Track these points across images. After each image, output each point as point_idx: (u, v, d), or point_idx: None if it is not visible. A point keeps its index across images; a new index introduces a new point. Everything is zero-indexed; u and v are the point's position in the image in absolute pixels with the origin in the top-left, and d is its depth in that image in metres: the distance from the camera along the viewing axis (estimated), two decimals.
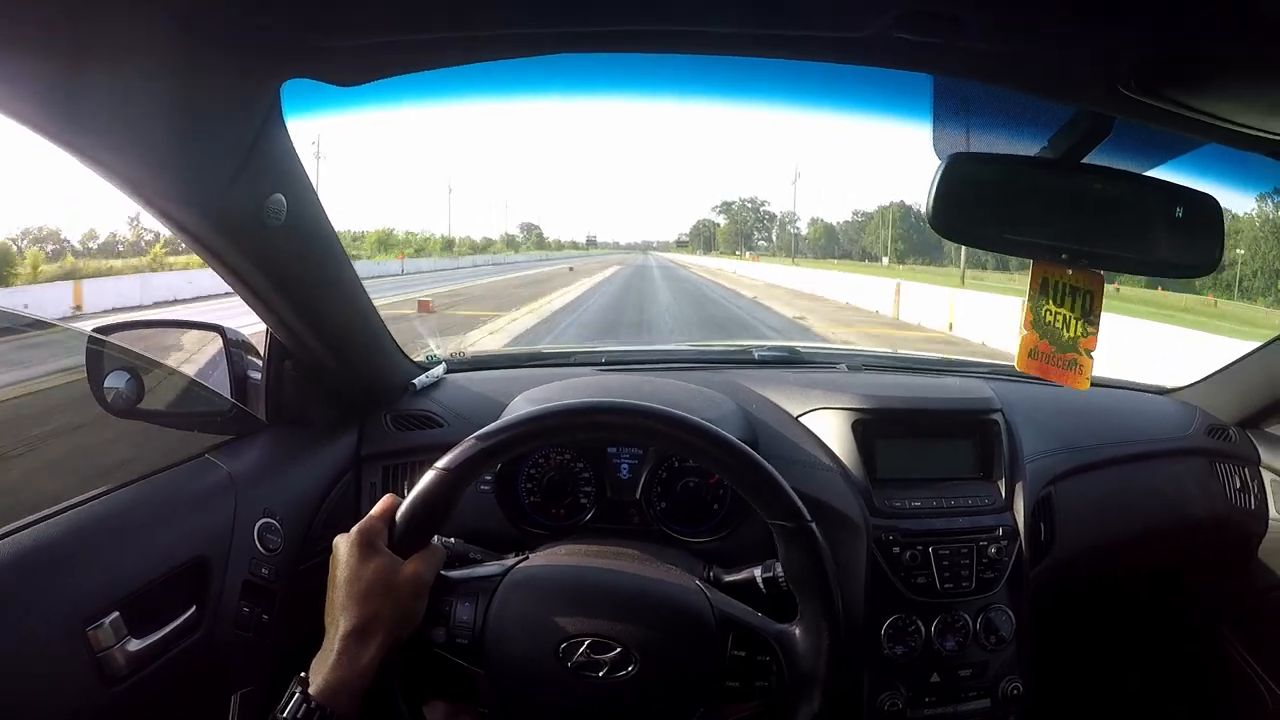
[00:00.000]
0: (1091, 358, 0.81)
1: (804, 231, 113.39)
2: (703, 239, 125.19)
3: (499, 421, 0.79)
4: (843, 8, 0.53)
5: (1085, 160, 0.73)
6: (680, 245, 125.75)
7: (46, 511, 0.78)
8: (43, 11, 0.50)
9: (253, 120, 0.70)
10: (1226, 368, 1.54)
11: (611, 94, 0.74)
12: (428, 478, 0.76)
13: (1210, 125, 0.67)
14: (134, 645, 0.76)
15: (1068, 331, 0.79)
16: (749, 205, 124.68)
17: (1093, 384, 1.55)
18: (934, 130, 0.76)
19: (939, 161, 0.69)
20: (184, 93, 0.63)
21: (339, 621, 0.69)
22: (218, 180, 0.71)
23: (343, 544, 0.73)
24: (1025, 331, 0.78)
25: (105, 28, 0.53)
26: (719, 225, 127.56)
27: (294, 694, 0.66)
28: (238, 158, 0.71)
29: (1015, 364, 0.80)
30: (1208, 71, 0.60)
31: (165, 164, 0.68)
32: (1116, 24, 0.54)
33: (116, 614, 0.75)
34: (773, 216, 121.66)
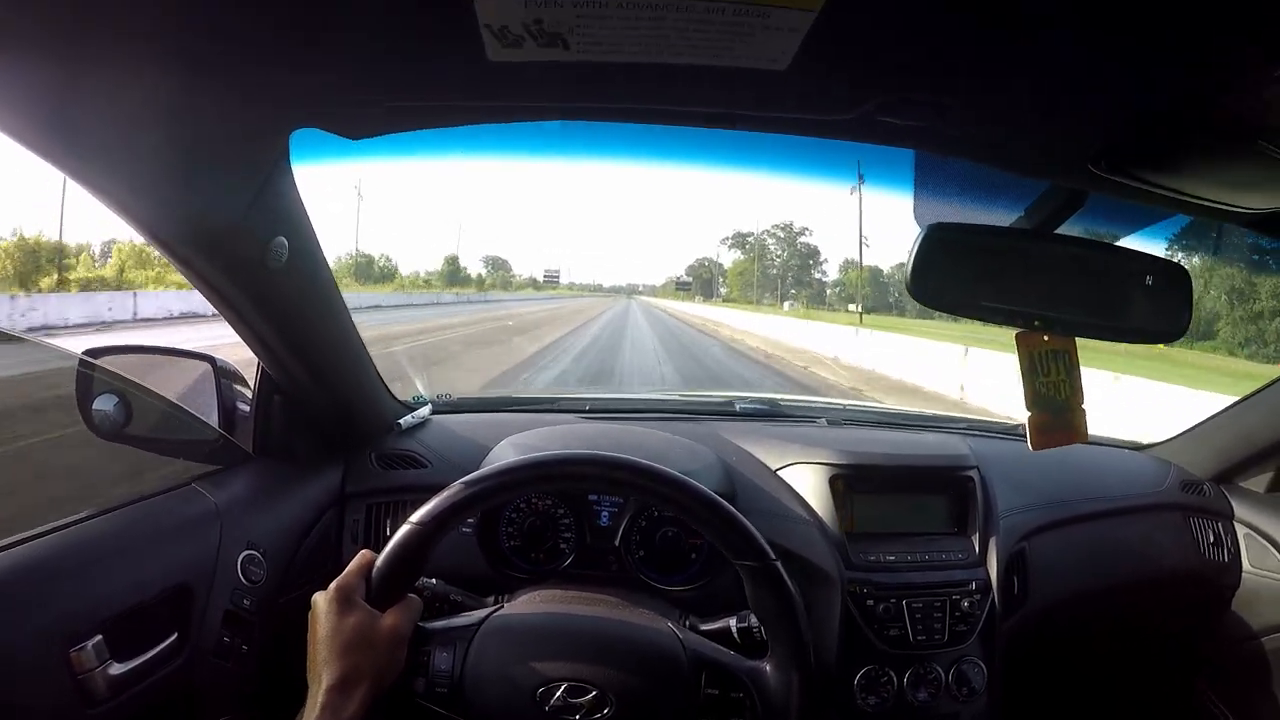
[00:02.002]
0: (1084, 410, 0.82)
1: (832, 276, 77.77)
2: (703, 282, 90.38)
3: (474, 474, 0.80)
4: (832, 94, 0.57)
5: (1059, 230, 0.76)
6: (681, 289, 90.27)
7: (33, 531, 0.79)
8: (67, 53, 0.52)
9: (262, 165, 0.72)
10: (1201, 424, 1.57)
11: (609, 158, 0.78)
12: (402, 532, 0.77)
13: (1176, 200, 0.71)
14: (116, 669, 0.77)
15: (1060, 395, 0.81)
16: (780, 234, 79.43)
17: None
18: (915, 200, 0.79)
19: (918, 230, 0.72)
20: (198, 136, 0.65)
21: (321, 677, 0.70)
22: (225, 221, 0.74)
23: (321, 600, 0.75)
24: (1030, 412, 0.80)
25: (126, 71, 0.56)
26: (724, 266, 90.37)
27: None
28: (246, 200, 0.73)
29: (1030, 446, 0.81)
30: (1171, 152, 0.63)
31: (175, 203, 0.70)
32: (1085, 109, 0.58)
33: (99, 637, 0.75)
34: (815, 252, 79.08)
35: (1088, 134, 0.61)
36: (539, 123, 0.65)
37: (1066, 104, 0.56)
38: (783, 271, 79.94)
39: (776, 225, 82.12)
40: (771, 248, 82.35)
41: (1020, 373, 0.78)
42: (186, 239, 0.74)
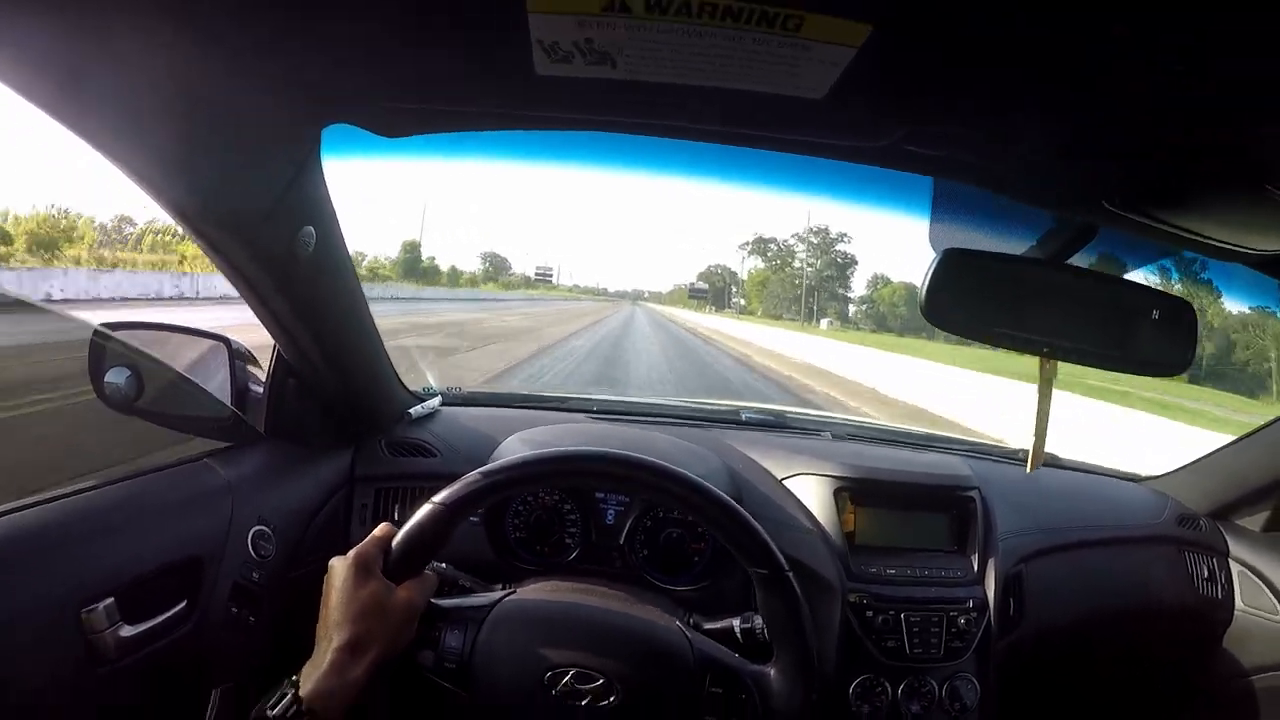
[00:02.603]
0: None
1: (858, 292, 67.03)
2: (715, 290, 79.81)
3: (499, 462, 0.82)
4: (863, 124, 0.59)
5: (1070, 261, 0.78)
6: (695, 297, 79.20)
7: (52, 494, 0.80)
8: (112, 32, 0.54)
9: (295, 158, 0.74)
10: (1200, 459, 1.57)
11: (633, 169, 0.80)
12: (425, 510, 0.79)
13: (1186, 238, 0.72)
14: (125, 631, 0.78)
15: (1042, 423, 0.83)
16: (813, 239, 67.46)
17: (1068, 468, 1.60)
18: (931, 225, 0.81)
19: (933, 255, 0.73)
20: (236, 129, 0.67)
21: (332, 636, 0.72)
22: (258, 211, 0.76)
23: (339, 565, 0.76)
24: (1035, 438, 0.82)
25: (167, 65, 0.58)
26: (737, 275, 79.35)
27: (285, 694, 0.68)
28: (278, 189, 0.75)
29: (1028, 468, 0.83)
30: (1183, 193, 0.65)
31: (211, 193, 0.72)
32: (1101, 150, 0.59)
33: (111, 600, 0.77)
34: (853, 261, 67.53)
35: (1102, 172, 0.62)
36: (565, 135, 0.67)
37: (1083, 143, 0.58)
38: (816, 282, 67.40)
39: (810, 230, 70.78)
40: (801, 255, 70.88)
41: (1038, 398, 0.80)
42: (217, 223, 0.76)
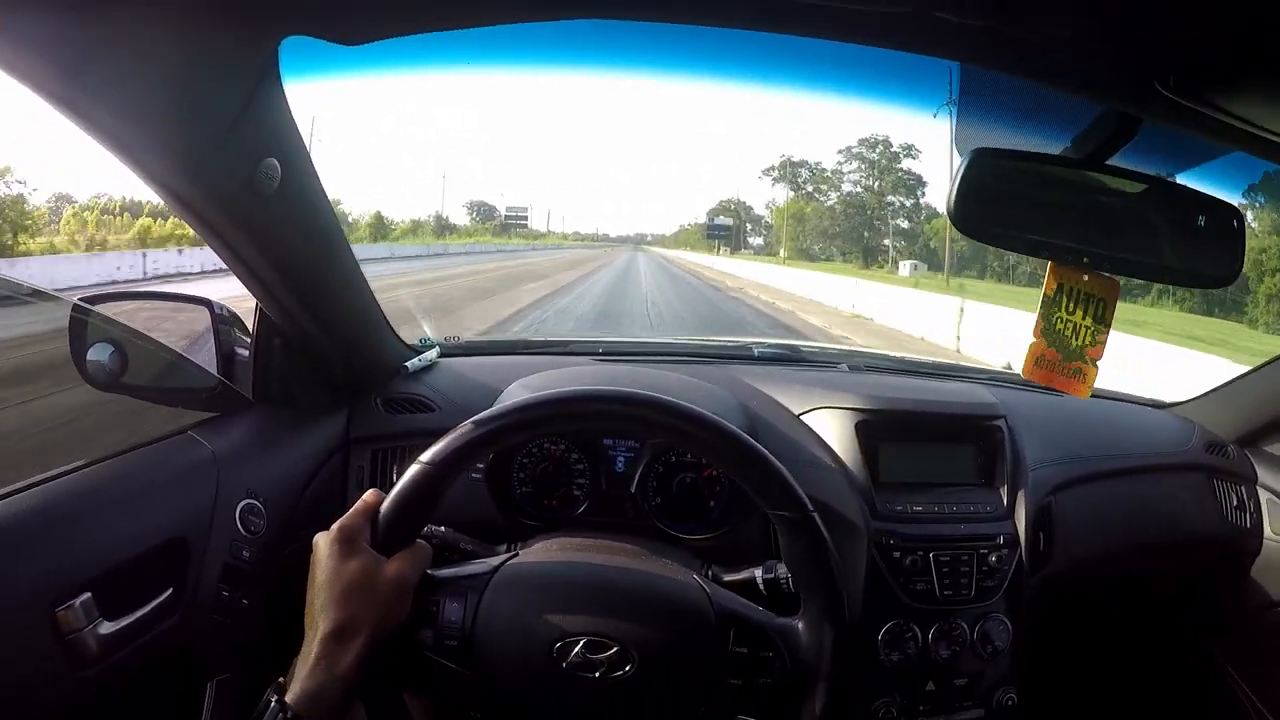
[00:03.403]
0: (1097, 367, 0.78)
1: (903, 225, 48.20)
2: (731, 230, 64.08)
3: (487, 411, 0.75)
4: None
5: (1109, 162, 0.71)
6: (714, 235, 65.77)
7: (20, 484, 0.75)
8: None
9: (249, 78, 0.66)
10: (1227, 385, 1.53)
11: (624, 66, 0.71)
12: (411, 472, 0.72)
13: (1242, 133, 0.65)
14: (106, 628, 0.73)
15: (1076, 340, 0.77)
16: (870, 155, 49.12)
17: (1092, 395, 1.56)
18: (957, 123, 0.74)
19: (959, 157, 0.66)
20: (177, 45, 0.59)
21: (318, 624, 0.67)
22: (208, 140, 0.68)
23: (323, 542, 0.71)
24: (1035, 339, 0.76)
25: None
26: (753, 210, 62.65)
27: (270, 702, 0.63)
28: (230, 117, 0.68)
29: (1021, 370, 0.77)
30: (1253, 77, 0.57)
31: (153, 120, 0.64)
32: (1168, 19, 0.51)
33: (88, 595, 0.72)
34: (920, 182, 48.47)
35: (1166, 47, 0.55)
36: (553, 28, 0.59)
37: (1152, 8, 0.50)
38: (876, 211, 47.82)
39: (864, 141, 50.36)
40: (850, 175, 51.22)
41: (1041, 298, 0.74)
42: (168, 160, 0.69)
